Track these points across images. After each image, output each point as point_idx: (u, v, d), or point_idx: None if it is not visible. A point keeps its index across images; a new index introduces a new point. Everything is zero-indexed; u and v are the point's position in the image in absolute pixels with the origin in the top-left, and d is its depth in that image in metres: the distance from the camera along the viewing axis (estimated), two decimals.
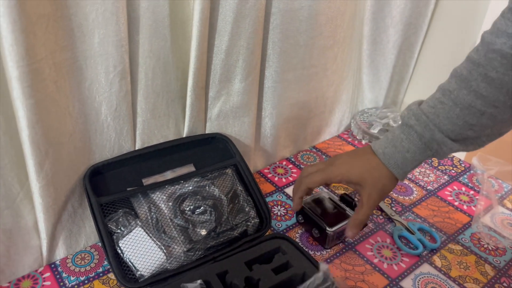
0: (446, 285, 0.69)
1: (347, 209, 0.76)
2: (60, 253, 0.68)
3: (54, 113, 0.58)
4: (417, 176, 0.94)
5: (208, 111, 0.79)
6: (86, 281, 0.65)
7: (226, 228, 0.70)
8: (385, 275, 0.70)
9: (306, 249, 0.70)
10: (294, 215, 0.80)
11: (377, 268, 0.72)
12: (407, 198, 0.88)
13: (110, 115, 0.66)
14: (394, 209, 0.84)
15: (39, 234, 0.64)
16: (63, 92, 0.59)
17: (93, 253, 0.70)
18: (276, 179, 0.91)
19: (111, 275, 0.67)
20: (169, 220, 0.68)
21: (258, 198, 0.75)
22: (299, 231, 0.78)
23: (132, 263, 0.63)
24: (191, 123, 0.76)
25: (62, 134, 0.61)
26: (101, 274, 0.67)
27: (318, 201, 0.78)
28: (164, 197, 0.70)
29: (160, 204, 0.69)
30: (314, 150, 1.01)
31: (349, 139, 1.06)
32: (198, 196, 0.72)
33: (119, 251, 0.64)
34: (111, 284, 0.65)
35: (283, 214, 0.81)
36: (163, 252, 0.64)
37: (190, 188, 0.73)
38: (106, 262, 0.68)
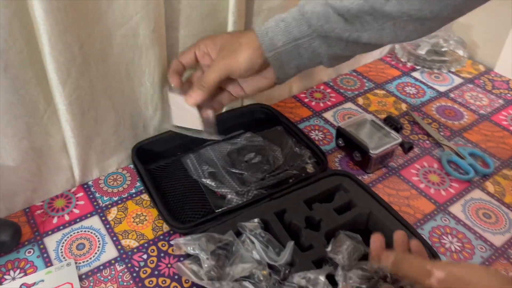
0: (499, 211, 0.64)
1: (392, 131, 0.70)
2: (93, 174, 0.67)
3: (75, 30, 0.53)
4: (468, 100, 0.86)
5: None
6: (119, 201, 0.64)
7: (282, 170, 0.66)
8: (432, 200, 0.66)
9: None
10: (334, 139, 0.75)
11: (423, 193, 0.67)
12: (456, 122, 0.81)
13: (148, 36, 0.59)
14: (442, 133, 0.78)
15: (68, 154, 0.62)
16: (94, 10, 0.53)
17: (125, 174, 0.68)
18: (313, 103, 0.85)
19: (144, 196, 0.65)
20: (222, 170, 0.65)
21: (310, 145, 0.70)
22: (339, 156, 0.73)
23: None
24: None
25: (88, 55, 0.56)
26: (134, 195, 0.65)
27: (360, 124, 0.73)
28: (217, 152, 0.67)
29: (213, 158, 0.67)
30: (355, 73, 0.93)
31: (393, 62, 0.97)
32: (251, 149, 0.69)
33: None
34: (144, 204, 0.64)
35: (321, 138, 0.77)
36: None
37: (243, 142, 0.70)
38: (138, 184, 0.67)
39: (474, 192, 0.67)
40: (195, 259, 0.50)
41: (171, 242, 0.57)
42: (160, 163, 0.69)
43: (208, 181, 0.64)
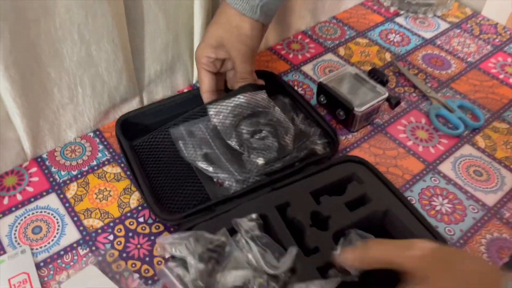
0: (490, 167, 0.60)
1: (378, 85, 0.64)
2: (47, 145, 0.59)
3: None
4: (455, 47, 0.80)
5: None
6: (79, 176, 0.57)
7: (289, 153, 0.56)
8: (421, 159, 0.61)
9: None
10: (315, 95, 0.69)
11: (411, 152, 0.62)
12: (444, 72, 0.75)
13: None
14: (429, 85, 0.72)
15: (14, 126, 0.54)
16: None
17: (84, 144, 0.61)
18: (291, 56, 0.77)
19: (107, 168, 0.58)
20: (217, 151, 0.55)
21: (320, 121, 0.61)
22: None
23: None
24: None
25: (23, 10, 0.47)
26: (95, 168, 0.58)
27: (343, 78, 0.66)
28: (213, 114, 0.55)
29: (206, 135, 0.56)
30: (335, 21, 0.86)
31: (375, 7, 0.89)
32: (259, 120, 0.57)
33: None
34: (108, 178, 0.57)
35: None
36: None
37: (258, 108, 0.57)
38: (100, 154, 0.60)
39: (464, 148, 0.63)
40: (181, 261, 0.43)
41: (156, 241, 0.49)
42: (143, 139, 0.59)
43: (203, 165, 0.55)
